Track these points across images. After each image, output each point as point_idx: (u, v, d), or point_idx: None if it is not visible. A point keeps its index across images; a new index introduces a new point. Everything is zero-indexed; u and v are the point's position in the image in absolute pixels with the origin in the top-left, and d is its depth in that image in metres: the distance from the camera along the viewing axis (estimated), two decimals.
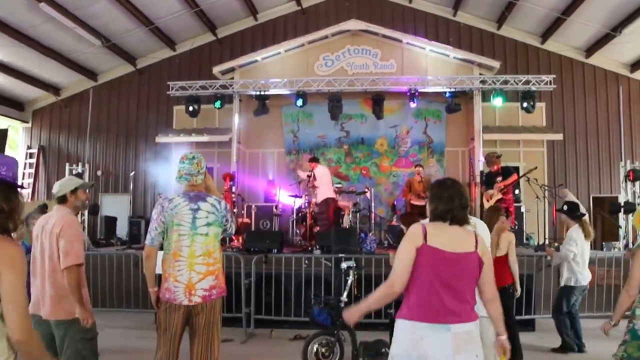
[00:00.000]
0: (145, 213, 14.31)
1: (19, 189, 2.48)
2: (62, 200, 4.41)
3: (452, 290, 2.99)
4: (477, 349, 3.02)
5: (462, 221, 3.16)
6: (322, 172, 10.95)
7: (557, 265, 7.22)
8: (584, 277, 6.83)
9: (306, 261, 8.80)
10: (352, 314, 3.28)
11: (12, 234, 2.39)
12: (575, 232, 6.93)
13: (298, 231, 11.79)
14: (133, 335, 7.70)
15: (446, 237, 3.07)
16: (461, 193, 3.20)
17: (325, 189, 10.82)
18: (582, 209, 7.18)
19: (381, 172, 14.37)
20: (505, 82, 12.72)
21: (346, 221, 11.19)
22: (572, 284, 6.92)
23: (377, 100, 12.92)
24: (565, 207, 7.18)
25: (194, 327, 4.17)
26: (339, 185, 12.58)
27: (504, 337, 3.18)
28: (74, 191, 4.44)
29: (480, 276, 3.10)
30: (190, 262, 4.09)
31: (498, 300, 3.18)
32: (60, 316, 4.14)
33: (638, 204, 11.05)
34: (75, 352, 4.14)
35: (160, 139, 14.42)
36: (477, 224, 3.93)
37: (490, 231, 6.34)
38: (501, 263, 6.22)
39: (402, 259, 3.07)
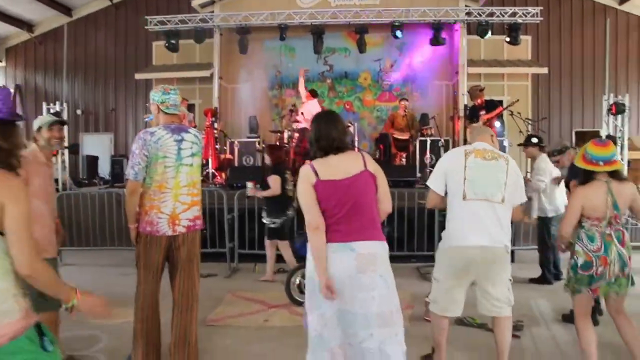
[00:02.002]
0: (127, 151, 14.12)
1: (17, 122, 2.33)
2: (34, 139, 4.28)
3: (354, 213, 3.11)
4: (381, 269, 3.11)
5: (344, 147, 3.26)
6: (310, 107, 10.86)
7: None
8: (559, 204, 6.83)
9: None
10: (321, 281, 3.15)
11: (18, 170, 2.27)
12: (543, 162, 6.96)
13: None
14: (117, 273, 7.73)
15: (335, 167, 3.18)
16: (336, 122, 3.31)
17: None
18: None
19: (365, 106, 14.27)
20: (491, 14, 12.49)
21: None
22: (545, 215, 6.99)
23: (360, 33, 12.68)
24: (535, 140, 7.19)
25: (174, 260, 4.16)
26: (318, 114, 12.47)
27: None
28: (38, 130, 4.29)
29: (377, 190, 3.23)
30: (175, 192, 4.05)
31: (388, 212, 3.34)
32: None
33: (619, 137, 11.09)
34: None
35: (140, 75, 14.14)
36: (510, 160, 3.95)
37: None
38: None
39: (306, 199, 3.18)
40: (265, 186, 7.12)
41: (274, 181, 6.99)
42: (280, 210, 7.09)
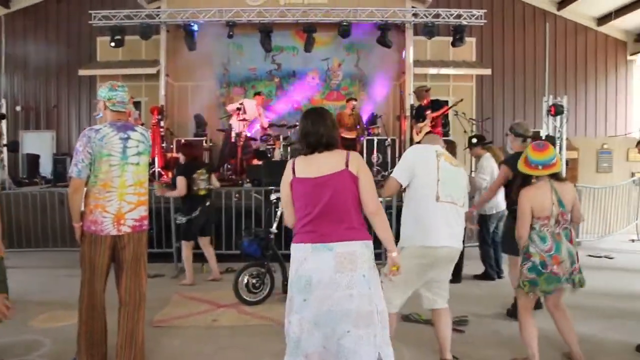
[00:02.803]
0: (71, 150, 13.77)
1: None
2: None
3: (330, 212, 3.10)
4: (363, 269, 3.09)
5: (330, 146, 3.22)
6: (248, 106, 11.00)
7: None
8: (497, 203, 6.92)
9: (236, 194, 8.76)
10: None
11: None
12: (486, 161, 7.14)
13: (229, 165, 11.68)
14: (61, 274, 7.51)
15: (313, 165, 3.18)
16: (324, 119, 3.27)
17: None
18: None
19: (312, 105, 14.29)
20: (437, 15, 12.74)
21: (277, 154, 11.17)
22: (484, 213, 7.17)
23: (308, 32, 12.73)
24: (474, 140, 7.38)
25: (120, 261, 4.10)
26: (268, 120, 12.54)
27: (394, 254, 3.27)
28: None
29: (360, 191, 3.17)
30: (121, 192, 3.98)
31: (382, 214, 3.23)
32: None
33: (558, 138, 11.48)
34: None
35: (84, 71, 13.79)
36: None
37: None
38: None
39: (283, 197, 3.29)
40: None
41: (179, 182, 6.96)
42: (187, 210, 7.07)
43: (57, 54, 14.86)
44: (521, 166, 4.18)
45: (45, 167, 13.30)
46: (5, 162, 11.13)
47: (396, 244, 3.37)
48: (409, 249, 3.90)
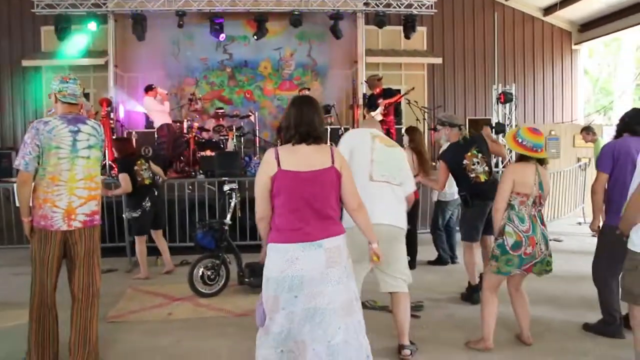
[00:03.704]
0: (16, 143, 13.29)
1: None
2: None
3: (317, 208, 3.07)
4: (344, 261, 3.13)
5: (318, 139, 3.16)
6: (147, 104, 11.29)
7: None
8: (455, 191, 6.95)
9: (190, 186, 8.68)
10: (262, 255, 3.27)
11: None
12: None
13: (182, 157, 11.53)
14: (7, 273, 7.28)
15: (301, 158, 3.10)
16: (317, 110, 3.21)
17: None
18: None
19: (265, 95, 14.24)
20: (388, 5, 12.86)
21: (230, 145, 11.09)
22: (445, 199, 7.31)
23: (260, 22, 12.65)
24: (445, 120, 7.46)
25: (72, 256, 4.02)
26: (221, 109, 12.41)
27: (374, 245, 3.31)
28: None
29: (342, 188, 3.17)
30: (71, 186, 3.90)
31: (363, 209, 3.28)
32: None
33: (507, 125, 11.76)
34: None
35: (28, 62, 13.34)
36: (402, 150, 4.26)
37: (417, 149, 6.72)
38: None
39: (259, 189, 3.14)
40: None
41: (122, 179, 6.87)
42: (136, 204, 7.00)
43: None
44: (511, 144, 4.30)
45: None
46: None
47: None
48: (352, 229, 3.80)
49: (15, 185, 4.06)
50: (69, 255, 4.03)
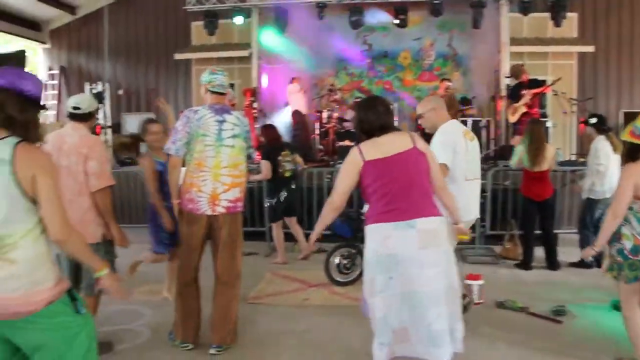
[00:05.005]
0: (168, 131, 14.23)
1: (39, 106, 2.45)
2: (85, 118, 4.07)
3: (407, 189, 3.13)
4: (444, 245, 3.13)
5: (390, 128, 3.33)
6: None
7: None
8: (611, 187, 6.50)
9: (328, 175, 8.80)
10: (312, 236, 3.57)
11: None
12: (599, 143, 6.77)
13: (321, 146, 11.75)
14: None
15: (381, 146, 3.24)
16: (375, 106, 3.37)
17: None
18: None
19: (404, 86, 14.04)
20: None
21: None
22: (594, 197, 6.82)
23: (400, 11, 12.48)
24: (593, 120, 7.01)
25: (216, 240, 4.25)
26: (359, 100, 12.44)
27: (460, 225, 3.51)
28: (96, 111, 4.28)
29: (430, 168, 3.26)
30: (215, 173, 4.12)
31: (447, 189, 3.42)
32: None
33: None
34: None
35: (180, 55, 14.22)
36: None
37: (536, 143, 6.48)
38: (546, 176, 6.75)
39: (342, 178, 3.33)
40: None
41: (263, 165, 7.06)
42: (274, 192, 7.14)
43: (155, 39, 15.36)
44: (626, 136, 3.71)
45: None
46: (110, 143, 11.70)
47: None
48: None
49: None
50: (214, 239, 4.25)
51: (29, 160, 2.24)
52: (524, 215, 7.19)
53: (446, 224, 3.24)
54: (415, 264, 3.03)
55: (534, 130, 6.82)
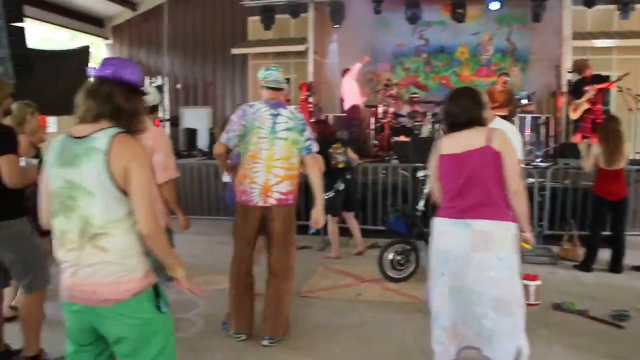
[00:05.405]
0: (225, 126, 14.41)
1: (142, 93, 2.50)
2: (150, 110, 4.15)
3: (469, 188, 3.09)
4: (499, 250, 3.01)
5: (475, 122, 3.23)
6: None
7: None
8: None
9: (383, 171, 8.76)
10: None
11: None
12: None
13: (376, 141, 11.70)
14: (216, 242, 7.98)
15: (457, 142, 3.22)
16: (462, 98, 3.31)
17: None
18: None
19: (462, 81, 13.78)
20: None
21: (424, 131, 11.01)
22: None
23: (456, 5, 12.27)
24: None
25: (270, 232, 4.31)
26: (416, 95, 12.34)
27: (526, 233, 3.26)
28: (159, 104, 4.42)
29: (504, 169, 3.10)
30: (268, 164, 4.19)
31: (521, 195, 3.14)
32: None
33: None
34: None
35: (236, 50, 14.40)
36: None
37: (615, 141, 6.32)
38: (622, 174, 6.54)
39: (432, 175, 3.42)
40: None
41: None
42: (330, 184, 7.11)
43: (213, 35, 15.59)
44: None
45: (202, 141, 14.09)
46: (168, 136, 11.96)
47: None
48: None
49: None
50: (267, 231, 4.31)
51: (125, 151, 2.25)
52: (595, 215, 6.85)
53: (511, 231, 3.10)
54: (465, 264, 3.02)
55: (612, 127, 6.60)
